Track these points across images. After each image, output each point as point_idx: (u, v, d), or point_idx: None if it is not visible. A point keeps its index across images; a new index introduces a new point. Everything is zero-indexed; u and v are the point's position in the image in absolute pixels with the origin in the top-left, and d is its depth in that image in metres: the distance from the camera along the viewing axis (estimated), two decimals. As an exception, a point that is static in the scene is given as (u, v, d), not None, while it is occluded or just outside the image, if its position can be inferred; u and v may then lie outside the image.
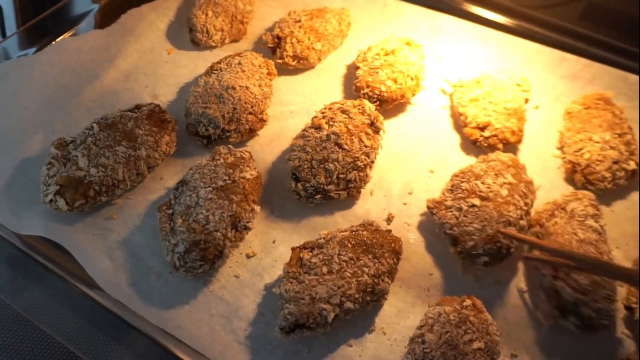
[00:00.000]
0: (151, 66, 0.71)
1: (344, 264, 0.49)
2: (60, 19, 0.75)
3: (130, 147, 0.56)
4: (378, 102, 0.64)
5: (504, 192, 0.55)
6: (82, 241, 0.53)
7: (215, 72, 0.65)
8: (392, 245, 0.51)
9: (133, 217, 0.56)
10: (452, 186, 0.57)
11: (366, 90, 0.65)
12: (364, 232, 0.52)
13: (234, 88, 0.62)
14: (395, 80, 0.65)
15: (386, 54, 0.67)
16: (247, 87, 0.63)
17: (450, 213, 0.55)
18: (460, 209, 0.55)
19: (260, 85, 0.64)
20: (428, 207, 0.57)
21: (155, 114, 0.60)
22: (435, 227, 0.56)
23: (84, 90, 0.66)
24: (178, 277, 0.52)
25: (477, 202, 0.54)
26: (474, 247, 0.52)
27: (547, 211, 0.55)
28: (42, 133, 0.61)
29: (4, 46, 0.71)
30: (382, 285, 0.49)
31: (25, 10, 0.81)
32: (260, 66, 0.66)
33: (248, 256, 0.54)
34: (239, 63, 0.65)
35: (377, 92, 0.64)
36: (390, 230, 0.53)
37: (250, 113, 0.62)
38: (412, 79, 0.66)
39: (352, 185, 0.57)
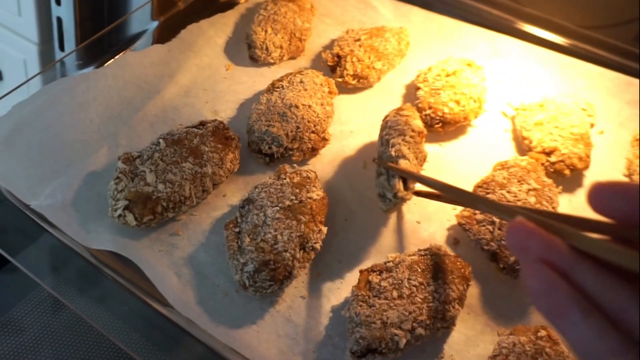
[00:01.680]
0: (210, 82, 0.71)
1: (414, 288, 0.49)
2: (118, 36, 0.77)
3: (197, 164, 0.57)
4: (440, 124, 0.64)
5: (532, 199, 0.54)
6: (149, 257, 0.54)
7: (277, 89, 0.65)
8: (462, 271, 0.51)
9: (197, 233, 0.56)
10: None
11: (428, 112, 0.64)
12: (433, 257, 0.51)
13: (297, 106, 0.62)
14: (457, 102, 0.64)
15: (447, 75, 0.67)
16: (309, 106, 0.63)
17: (483, 227, 0.54)
18: (492, 222, 0.54)
19: (322, 104, 0.64)
20: (459, 224, 0.56)
21: (220, 130, 0.60)
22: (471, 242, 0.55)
23: (146, 105, 0.67)
24: (244, 296, 0.52)
25: None
26: (517, 262, 0.52)
27: None
28: (107, 146, 0.62)
29: (64, 61, 0.72)
30: (452, 311, 0.49)
31: (83, 23, 0.83)
32: (321, 84, 0.66)
33: (313, 277, 0.54)
34: (301, 81, 0.65)
35: (439, 113, 0.64)
36: (458, 256, 0.52)
37: (313, 132, 0.62)
38: (474, 101, 0.65)
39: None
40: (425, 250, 0.52)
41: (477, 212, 0.56)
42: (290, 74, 0.67)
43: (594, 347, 0.26)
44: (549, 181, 0.56)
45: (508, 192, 0.55)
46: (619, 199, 0.28)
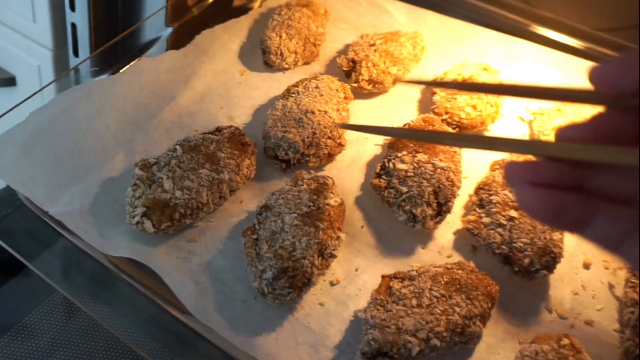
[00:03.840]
0: (225, 87, 0.71)
1: (435, 299, 0.49)
2: (132, 42, 0.77)
3: (214, 170, 0.57)
4: (457, 129, 0.64)
5: None
6: (167, 264, 0.54)
7: (293, 95, 0.65)
8: (488, 288, 0.50)
9: (215, 240, 0.56)
10: (481, 201, 0.57)
11: (445, 117, 0.64)
12: (459, 271, 0.50)
13: (312, 112, 0.62)
14: (474, 107, 0.64)
15: (463, 80, 0.66)
16: (325, 112, 0.62)
17: (492, 231, 0.54)
18: (500, 225, 0.54)
19: (338, 110, 0.64)
20: (467, 229, 0.56)
21: (236, 136, 0.60)
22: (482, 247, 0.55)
23: (162, 111, 0.67)
24: (262, 302, 0.52)
25: (514, 213, 0.54)
26: (531, 264, 0.51)
27: None
28: (123, 153, 0.62)
29: (78, 68, 0.72)
30: (473, 328, 0.48)
31: (98, 29, 0.83)
32: (337, 90, 0.66)
33: (332, 284, 0.54)
34: (317, 87, 0.65)
35: (456, 118, 0.64)
36: (487, 274, 0.52)
37: (329, 138, 0.62)
38: (491, 105, 0.65)
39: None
40: (452, 263, 0.52)
41: (482, 215, 0.55)
42: (306, 79, 0.67)
43: (608, 237, 0.28)
44: None
45: (510, 191, 0.54)
46: (624, 74, 0.28)
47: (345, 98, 0.66)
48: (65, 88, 0.67)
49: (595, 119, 0.29)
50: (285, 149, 0.60)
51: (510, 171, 0.29)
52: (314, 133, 0.61)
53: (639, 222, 0.27)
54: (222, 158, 0.58)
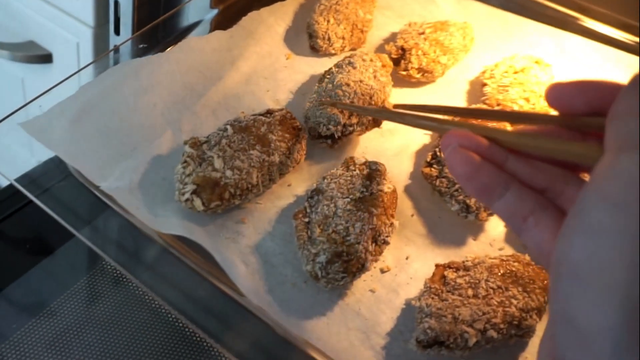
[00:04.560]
0: (270, 70, 0.71)
1: (491, 291, 0.48)
2: (174, 23, 0.76)
3: (264, 152, 0.56)
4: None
5: None
6: (217, 243, 0.53)
7: (327, 77, 0.64)
8: (545, 282, 0.49)
9: (263, 222, 0.56)
10: None
11: (497, 109, 0.63)
12: (515, 264, 0.50)
13: (347, 84, 0.61)
14: (527, 100, 0.63)
15: (515, 72, 0.65)
16: (361, 81, 0.61)
17: None
18: None
19: (375, 77, 0.63)
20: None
21: (287, 120, 0.59)
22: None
23: (209, 91, 0.66)
24: (312, 287, 0.51)
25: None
26: None
27: None
28: (170, 131, 0.62)
29: (119, 48, 0.72)
30: (529, 321, 0.47)
31: (141, 8, 0.82)
32: (372, 60, 0.65)
33: (382, 271, 0.53)
34: (349, 62, 0.64)
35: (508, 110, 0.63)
36: (542, 268, 0.51)
37: (370, 103, 0.61)
38: (545, 99, 0.64)
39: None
40: (508, 256, 0.51)
41: None
42: (339, 60, 0.66)
43: (516, 211, 0.30)
44: None
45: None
46: (579, 95, 0.30)
47: (383, 66, 0.65)
48: (103, 66, 0.66)
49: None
50: (326, 124, 0.59)
51: (448, 138, 0.32)
52: (352, 102, 0.60)
53: (544, 204, 0.30)
54: (273, 140, 0.57)
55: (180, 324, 0.59)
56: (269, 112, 0.60)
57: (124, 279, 0.62)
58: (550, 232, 0.29)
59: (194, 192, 0.53)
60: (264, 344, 0.51)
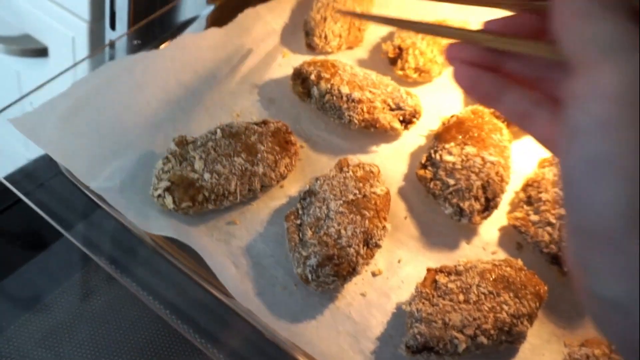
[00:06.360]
0: (266, 68, 0.70)
1: (483, 296, 0.47)
2: (170, 19, 0.76)
3: (248, 161, 0.55)
4: (505, 122, 0.62)
5: None
6: (207, 245, 0.53)
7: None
8: (537, 288, 0.49)
9: (255, 223, 0.55)
10: (529, 198, 0.55)
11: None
12: (508, 268, 0.49)
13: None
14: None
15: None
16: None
17: (541, 229, 0.53)
18: (549, 223, 0.52)
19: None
20: (514, 226, 0.54)
21: (282, 133, 0.58)
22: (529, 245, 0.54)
23: (203, 90, 0.66)
24: (303, 289, 0.51)
25: (564, 212, 0.52)
26: None
27: None
28: (163, 130, 0.61)
29: (114, 43, 0.71)
30: (520, 327, 0.47)
31: (137, 2, 0.81)
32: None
33: (374, 274, 0.53)
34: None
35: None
36: (534, 273, 0.50)
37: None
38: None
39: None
40: (500, 260, 0.51)
41: (530, 213, 0.54)
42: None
43: (523, 109, 0.33)
44: None
45: (561, 189, 0.53)
46: None
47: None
48: (99, 61, 0.66)
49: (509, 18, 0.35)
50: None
51: (450, 51, 0.35)
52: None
53: (539, 101, 0.33)
54: (260, 151, 0.56)
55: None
56: (265, 122, 0.59)
57: (137, 268, 0.62)
58: (550, 124, 0.32)
59: (167, 189, 0.52)
60: (253, 346, 0.51)
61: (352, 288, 0.52)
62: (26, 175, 0.58)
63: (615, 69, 0.23)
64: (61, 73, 0.63)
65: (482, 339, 0.46)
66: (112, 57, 0.71)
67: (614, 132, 0.23)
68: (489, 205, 0.54)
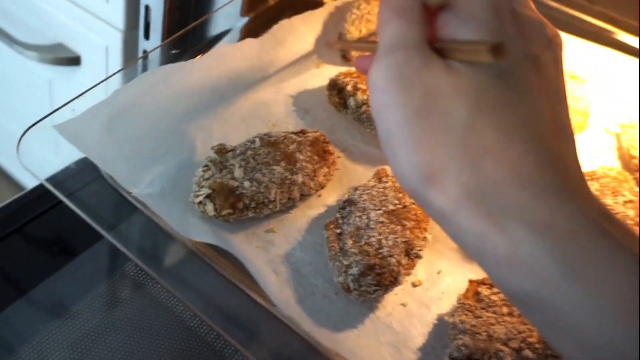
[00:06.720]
0: (300, 79, 0.71)
1: (527, 308, 0.47)
2: (204, 31, 0.76)
3: (288, 170, 0.55)
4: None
5: (630, 212, 0.51)
6: (247, 252, 0.53)
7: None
8: None
9: (294, 231, 0.55)
10: None
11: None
12: None
13: None
14: (562, 115, 0.62)
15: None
16: None
17: None
18: None
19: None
20: None
21: (320, 142, 0.58)
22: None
23: (239, 99, 0.66)
24: (343, 298, 0.51)
25: None
26: None
27: None
28: (201, 138, 0.62)
29: (150, 56, 0.72)
30: None
31: (172, 13, 0.83)
32: None
33: (414, 285, 0.53)
34: None
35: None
36: None
37: None
38: (579, 114, 0.63)
39: None
40: None
41: None
42: None
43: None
44: None
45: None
46: None
47: None
48: (133, 71, 0.67)
49: None
50: None
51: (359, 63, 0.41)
52: None
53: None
54: (299, 160, 0.56)
55: (202, 331, 0.59)
56: (303, 132, 0.59)
57: (146, 284, 0.62)
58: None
59: (208, 197, 0.53)
60: (291, 354, 0.51)
61: (392, 298, 0.51)
62: (59, 181, 0.59)
63: (382, 66, 0.31)
64: (102, 81, 0.64)
65: (528, 353, 0.45)
66: (146, 68, 0.71)
67: (384, 115, 0.31)
68: None
